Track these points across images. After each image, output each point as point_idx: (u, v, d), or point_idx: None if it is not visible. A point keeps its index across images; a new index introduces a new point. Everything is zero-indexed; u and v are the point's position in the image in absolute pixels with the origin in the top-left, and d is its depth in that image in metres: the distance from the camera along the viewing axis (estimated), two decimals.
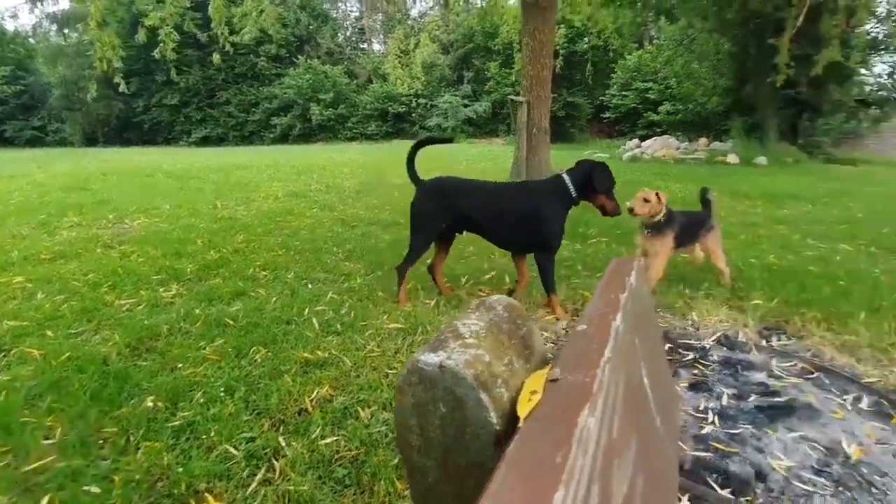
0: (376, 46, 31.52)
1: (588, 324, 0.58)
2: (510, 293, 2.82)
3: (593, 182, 2.55)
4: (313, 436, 1.54)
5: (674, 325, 2.54)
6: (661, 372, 0.92)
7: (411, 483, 0.64)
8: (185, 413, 1.66)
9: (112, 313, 2.52)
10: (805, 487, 1.40)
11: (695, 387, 1.94)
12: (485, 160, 11.60)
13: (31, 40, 27.43)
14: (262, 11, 7.02)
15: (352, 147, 19.41)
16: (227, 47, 6.88)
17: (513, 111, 7.37)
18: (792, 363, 2.13)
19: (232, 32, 7.20)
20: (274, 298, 2.72)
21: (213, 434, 1.54)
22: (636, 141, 14.86)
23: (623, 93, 20.10)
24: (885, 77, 13.18)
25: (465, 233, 2.85)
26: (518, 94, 7.38)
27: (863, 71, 12.49)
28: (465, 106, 22.51)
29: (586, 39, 19.46)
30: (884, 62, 12.99)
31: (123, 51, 6.76)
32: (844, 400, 1.84)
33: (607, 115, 21.30)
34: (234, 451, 1.47)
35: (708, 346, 2.28)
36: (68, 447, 1.49)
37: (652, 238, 2.80)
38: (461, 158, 11.54)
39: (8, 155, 16.06)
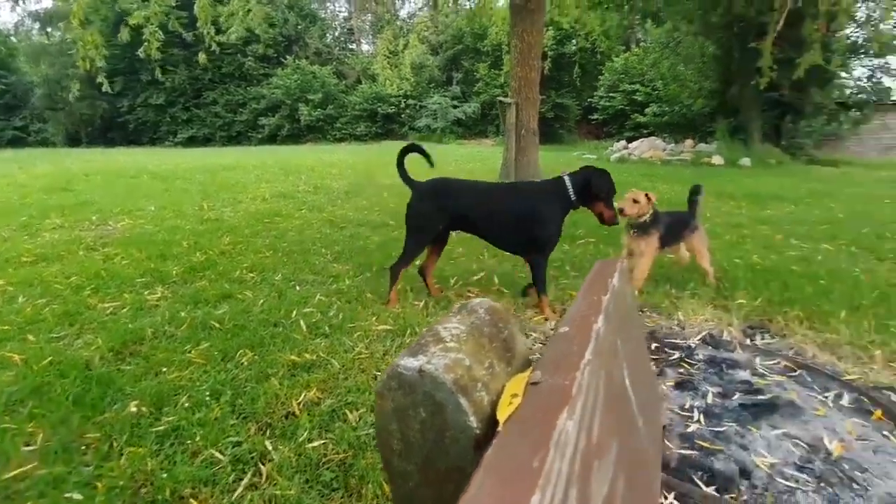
0: (365, 47, 31.42)
1: (570, 326, 0.58)
2: (525, 290, 2.81)
3: (591, 187, 2.55)
4: (300, 439, 1.53)
5: (660, 324, 2.57)
6: (644, 372, 0.93)
7: (393, 488, 0.64)
8: (170, 418, 1.63)
9: (95, 317, 2.48)
10: (788, 484, 1.42)
11: (681, 385, 1.96)
12: (474, 161, 11.62)
13: (12, 39, 26.93)
14: (248, 11, 6.95)
15: (341, 148, 19.32)
16: (214, 47, 6.80)
17: (501, 112, 7.40)
18: (775, 361, 2.16)
19: (218, 32, 7.12)
20: (261, 301, 2.70)
21: (198, 439, 1.52)
22: (624, 142, 15.00)
23: (610, 95, 20.29)
24: (865, 80, 13.46)
25: (456, 234, 2.85)
26: (507, 95, 7.41)
27: (843, 74, 12.76)
28: (455, 107, 22.54)
29: (574, 41, 19.59)
30: (863, 66, 13.26)
31: (107, 50, 6.65)
32: (826, 397, 1.88)
33: (595, 116, 21.48)
34: (220, 456, 1.45)
35: (693, 345, 2.31)
36: (50, 454, 1.46)
37: (637, 238, 2.83)
38: (450, 159, 11.55)
39: None
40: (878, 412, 1.77)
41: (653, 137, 14.90)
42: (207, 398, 1.74)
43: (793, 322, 2.52)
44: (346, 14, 32.54)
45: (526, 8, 6.75)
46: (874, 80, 13.36)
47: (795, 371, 2.08)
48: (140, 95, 24.79)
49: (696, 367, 2.12)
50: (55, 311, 2.52)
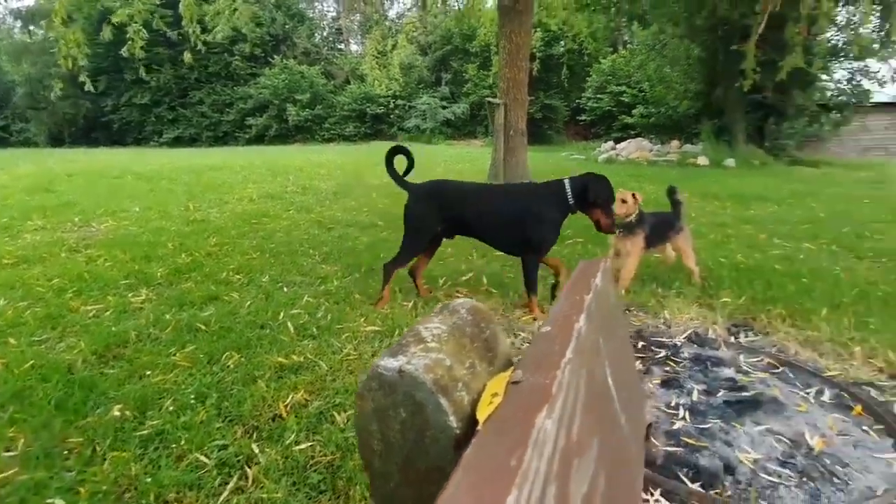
0: (354, 47, 31.31)
1: (552, 325, 0.58)
2: (554, 287, 2.78)
3: (589, 192, 2.56)
4: (287, 442, 1.52)
5: (647, 323, 2.60)
6: (628, 370, 0.94)
7: (373, 488, 0.64)
8: (154, 421, 1.61)
9: (77, 320, 2.44)
10: (771, 479, 1.45)
11: (667, 383, 1.99)
12: (463, 161, 11.64)
13: None
14: (235, 10, 6.89)
15: (329, 148, 19.22)
16: (199, 46, 6.72)
17: (490, 113, 7.42)
18: (758, 359, 2.20)
19: (204, 31, 7.03)
20: (248, 302, 2.67)
21: (183, 442, 1.50)
22: (611, 143, 15.14)
23: (598, 96, 20.46)
24: (845, 83, 13.74)
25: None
26: (496, 96, 7.44)
27: (824, 77, 13.00)
28: (444, 107, 22.54)
29: (562, 43, 19.74)
30: (843, 69, 13.54)
31: (90, 48, 6.53)
32: (808, 393, 1.91)
33: (583, 117, 21.64)
34: (206, 460, 1.44)
35: (679, 344, 2.34)
36: (31, 459, 1.43)
37: (624, 238, 2.86)
38: (439, 160, 11.56)
39: None
40: (858, 408, 1.80)
41: (640, 138, 15.06)
42: (193, 401, 1.72)
43: (776, 320, 2.56)
44: (334, 14, 32.41)
45: (514, 9, 6.78)
46: (854, 82, 13.63)
47: (778, 368, 2.11)
48: (124, 95, 24.39)
49: (681, 365, 2.15)
50: (37, 314, 2.47)
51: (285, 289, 2.94)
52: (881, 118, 15.18)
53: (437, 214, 2.67)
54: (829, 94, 13.62)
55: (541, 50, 19.50)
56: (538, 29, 17.32)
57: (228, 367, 1.99)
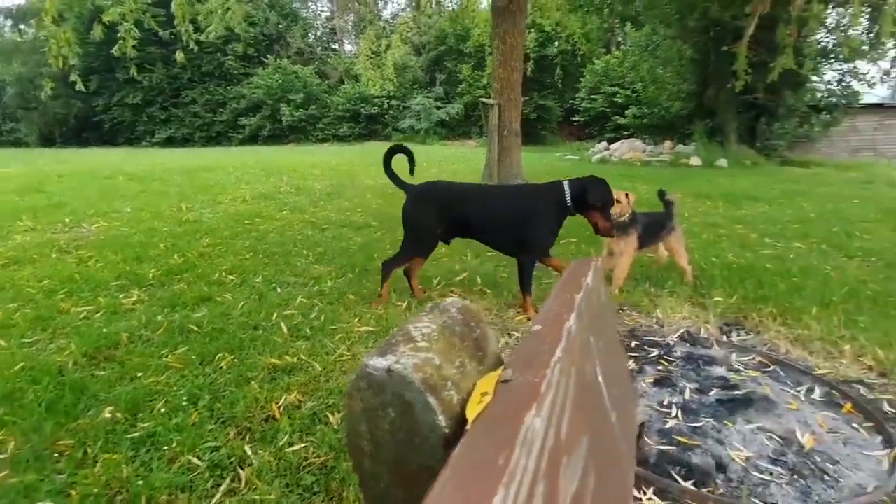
0: (348, 47, 31.24)
1: (542, 324, 0.59)
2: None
3: (588, 194, 2.55)
4: (281, 443, 1.51)
5: (640, 322, 2.61)
6: (618, 368, 0.94)
7: (364, 490, 0.63)
8: (146, 424, 1.60)
9: (68, 321, 2.42)
10: (762, 477, 1.46)
11: (659, 382, 2.00)
12: (457, 162, 11.64)
13: None
14: (227, 9, 6.84)
15: (323, 148, 19.18)
16: (192, 45, 6.67)
17: (484, 113, 7.43)
18: (750, 357, 2.21)
19: (197, 30, 6.99)
20: (241, 303, 2.66)
21: (175, 445, 1.49)
22: (605, 143, 15.21)
23: (592, 97, 20.54)
24: (835, 84, 13.88)
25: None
26: (489, 96, 7.45)
27: (814, 78, 13.14)
28: (438, 108, 22.55)
29: (556, 44, 19.78)
30: (833, 70, 13.69)
31: (81, 48, 6.47)
32: (798, 391, 1.93)
33: (577, 118, 21.73)
34: (198, 462, 1.43)
35: (672, 343, 2.35)
36: (21, 462, 1.42)
37: (617, 238, 2.87)
38: (434, 160, 11.56)
39: None
40: (848, 405, 1.82)
41: (633, 139, 15.14)
42: (185, 403, 1.71)
43: (767, 319, 2.59)
44: (328, 14, 32.34)
45: (508, 10, 6.79)
46: (843, 83, 13.77)
47: (769, 366, 2.13)
48: (116, 94, 24.21)
49: (674, 364, 2.16)
50: (27, 316, 2.45)
51: (279, 289, 2.92)
52: (870, 119, 15.34)
53: (437, 215, 2.66)
54: (819, 95, 13.75)
55: (535, 50, 19.51)
56: (532, 30, 17.35)
57: (221, 368, 1.98)
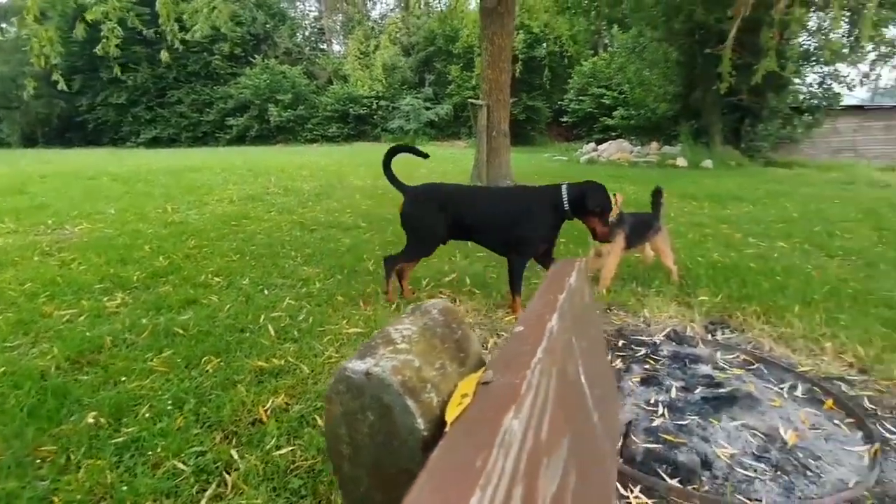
0: (336, 47, 31.10)
1: (524, 325, 0.59)
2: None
3: (586, 199, 2.55)
4: (268, 447, 1.50)
5: (627, 322, 2.64)
6: (601, 368, 0.95)
7: (344, 493, 0.63)
8: (130, 429, 1.58)
9: (51, 325, 2.38)
10: (746, 473, 1.48)
11: (646, 381, 2.02)
12: (447, 162, 11.65)
13: None
14: (213, 8, 6.76)
15: (312, 149, 19.06)
16: (177, 44, 6.58)
17: (473, 114, 7.44)
18: (734, 355, 2.25)
19: (182, 29, 6.90)
20: (227, 306, 2.63)
21: (159, 449, 1.47)
22: (593, 144, 15.34)
23: (580, 98, 20.70)
24: (816, 86, 14.15)
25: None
26: (478, 97, 7.46)
27: (796, 80, 13.38)
28: (427, 108, 22.54)
29: (544, 45, 19.90)
30: (814, 72, 13.95)
31: (63, 46, 6.35)
32: (781, 388, 1.96)
33: (565, 119, 21.88)
34: (183, 467, 1.41)
35: (658, 342, 2.38)
36: (3, 468, 1.39)
37: None
38: (423, 161, 11.53)
39: None
40: (830, 402, 1.86)
41: (620, 140, 15.29)
42: (170, 407, 1.69)
43: (751, 317, 2.63)
44: (316, 13, 32.17)
45: (496, 11, 6.81)
46: (825, 86, 14.05)
47: (753, 364, 2.17)
48: (100, 94, 23.83)
49: (660, 362, 2.19)
50: (8, 320, 2.40)
51: (266, 291, 2.90)
52: (850, 121, 15.66)
53: (438, 216, 2.64)
54: (801, 97, 14.01)
55: (523, 52, 19.59)
56: (520, 31, 17.44)
57: (207, 371, 1.95)
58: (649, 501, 1.37)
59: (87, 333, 2.26)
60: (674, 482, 1.43)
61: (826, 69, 13.65)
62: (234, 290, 2.89)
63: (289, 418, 1.65)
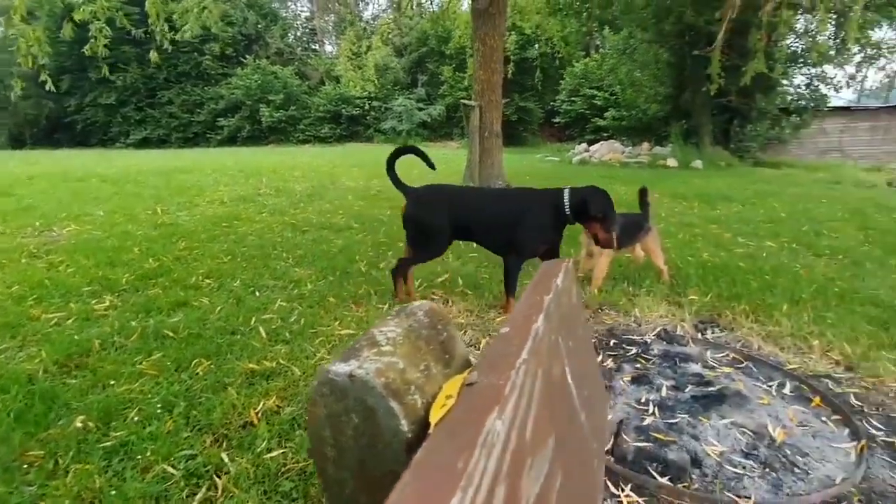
0: (328, 48, 31.03)
1: (510, 326, 0.59)
2: None
3: (588, 204, 2.51)
4: (258, 449, 1.49)
5: (619, 321, 2.66)
6: (588, 368, 0.96)
7: (328, 496, 0.63)
8: (119, 432, 1.56)
9: (38, 328, 2.34)
10: (735, 471, 1.50)
11: (637, 380, 2.03)
12: (439, 163, 11.59)
13: None
14: (204, 8, 6.71)
15: (304, 150, 18.98)
16: (166, 45, 6.53)
17: (465, 115, 7.45)
18: (724, 354, 2.27)
19: (172, 29, 6.84)
20: (218, 308, 2.61)
21: (149, 453, 1.46)
22: (585, 145, 15.41)
23: (572, 99, 20.81)
24: (804, 88, 14.34)
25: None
26: (471, 98, 7.48)
27: (784, 82, 13.55)
28: (420, 109, 22.55)
29: (536, 46, 19.99)
30: (802, 74, 14.14)
31: (51, 46, 6.27)
32: (770, 386, 1.99)
33: (557, 119, 21.98)
34: (173, 471, 1.40)
35: (649, 341, 2.40)
36: None
37: None
38: (417, 161, 11.52)
39: None
40: (817, 399, 1.88)
41: (612, 140, 15.39)
42: (159, 411, 1.68)
43: (740, 316, 2.66)
44: (308, 14, 32.06)
45: (487, 12, 6.83)
46: (812, 87, 14.24)
47: (742, 362, 2.19)
48: (89, 94, 23.58)
49: (651, 361, 2.20)
50: None
51: (257, 293, 2.88)
52: (837, 122, 15.88)
53: (443, 216, 2.62)
54: (789, 98, 14.19)
55: (515, 53, 19.69)
56: (512, 32, 17.51)
57: (197, 374, 1.94)
58: (640, 500, 1.38)
59: (76, 336, 2.23)
60: (664, 480, 1.45)
61: (813, 71, 13.84)
62: (224, 292, 2.87)
63: (280, 421, 1.64)
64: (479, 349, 2.24)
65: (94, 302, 2.69)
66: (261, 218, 5.13)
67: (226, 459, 1.45)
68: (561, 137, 22.34)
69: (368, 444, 0.53)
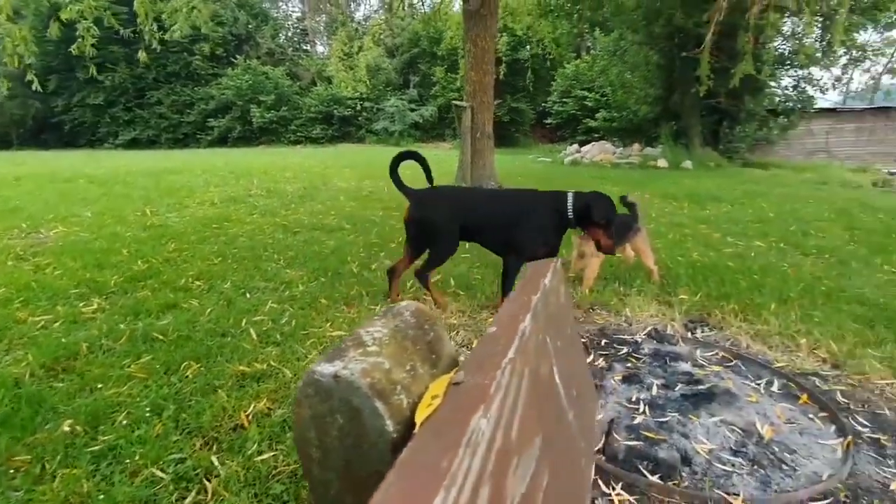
0: (320, 48, 30.90)
1: (498, 325, 0.59)
2: None
3: (591, 210, 2.52)
4: (249, 452, 1.48)
5: (610, 321, 2.67)
6: (577, 367, 0.96)
7: (314, 497, 0.63)
8: (107, 436, 1.54)
9: (25, 331, 2.31)
10: (725, 468, 1.51)
11: (628, 379, 2.05)
12: (432, 164, 11.64)
13: None
14: (193, 8, 6.66)
15: (295, 150, 18.88)
16: (154, 44, 6.46)
17: (457, 116, 7.46)
18: (713, 352, 2.29)
19: (161, 29, 6.78)
20: (208, 310, 2.59)
21: (137, 457, 1.45)
22: (576, 146, 15.49)
23: (563, 100, 20.91)
24: (791, 90, 14.53)
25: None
26: (462, 99, 7.49)
27: (772, 84, 13.72)
28: (412, 110, 22.53)
29: (528, 48, 20.06)
30: (789, 76, 14.33)
31: (38, 46, 6.18)
32: (758, 384, 2.01)
33: (549, 121, 22.07)
34: (162, 475, 1.39)
35: (640, 340, 2.42)
36: None
37: (587, 240, 2.93)
38: (409, 162, 11.51)
39: None
40: (805, 396, 1.91)
41: (603, 141, 15.49)
42: (148, 414, 1.66)
43: (729, 315, 2.68)
44: (299, 14, 31.91)
45: (479, 14, 6.84)
46: (799, 89, 14.43)
47: (731, 361, 2.22)
48: (76, 95, 23.25)
49: (642, 360, 2.22)
50: None
51: (248, 295, 2.86)
52: (823, 123, 16.10)
53: (450, 217, 2.61)
54: (777, 99, 14.36)
55: (507, 54, 19.74)
56: (504, 33, 17.57)
57: (187, 377, 1.92)
58: (631, 498, 1.39)
59: (63, 340, 2.21)
60: (655, 479, 1.46)
61: (800, 73, 14.03)
62: (215, 294, 2.85)
63: (271, 423, 1.63)
64: (471, 350, 2.24)
65: (81, 304, 2.66)
66: (252, 219, 5.09)
67: (216, 463, 1.44)
68: (552, 138, 22.43)
69: (354, 444, 0.53)
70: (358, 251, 3.79)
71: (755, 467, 1.52)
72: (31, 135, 24.14)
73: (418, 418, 0.46)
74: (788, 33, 12.37)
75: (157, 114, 23.98)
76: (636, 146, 14.17)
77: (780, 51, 12.91)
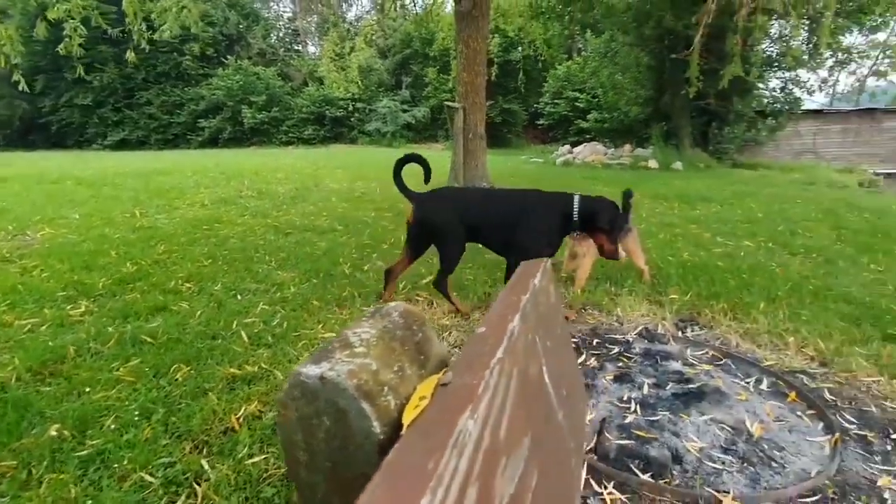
0: (311, 49, 30.78)
1: (486, 326, 0.59)
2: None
3: (597, 215, 2.52)
4: (240, 455, 1.47)
5: (601, 321, 2.69)
6: (567, 367, 0.96)
7: (301, 499, 0.62)
8: (95, 441, 1.52)
9: (11, 335, 2.28)
10: (715, 466, 1.53)
11: (619, 378, 2.06)
12: None
13: None
14: (183, 8, 6.60)
15: (287, 151, 18.77)
16: (143, 44, 6.40)
17: (449, 117, 7.47)
18: (703, 351, 2.31)
19: (150, 29, 6.72)
20: (198, 312, 2.57)
21: (126, 462, 1.43)
22: (568, 147, 15.57)
23: (555, 101, 21.01)
24: (779, 91, 14.71)
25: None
26: (455, 100, 7.49)
27: (760, 85, 13.88)
28: (404, 111, 22.50)
29: (519, 49, 20.12)
30: (777, 78, 14.50)
31: (25, 46, 6.10)
32: (748, 383, 2.03)
33: (541, 121, 22.16)
34: (151, 479, 1.37)
35: (631, 340, 2.43)
36: None
37: (579, 241, 2.95)
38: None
39: None
40: (793, 394, 1.93)
41: (594, 142, 15.59)
42: (137, 418, 1.64)
43: (719, 314, 2.71)
44: (290, 14, 31.76)
45: (471, 15, 6.86)
46: (786, 91, 14.61)
47: (721, 360, 2.24)
48: (64, 95, 22.93)
49: (633, 360, 2.23)
50: None
51: (239, 297, 2.84)
52: (811, 124, 16.33)
53: (455, 218, 2.60)
54: (765, 101, 14.53)
55: (499, 55, 19.76)
56: (496, 35, 17.60)
57: (176, 380, 1.90)
58: (622, 497, 1.39)
59: (50, 343, 2.18)
60: (646, 477, 1.47)
61: (787, 75, 14.20)
62: (205, 296, 2.83)
63: (262, 426, 1.62)
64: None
65: (69, 307, 2.62)
66: (242, 220, 5.06)
67: (206, 466, 1.43)
68: (544, 139, 22.52)
69: (340, 446, 0.52)
70: (350, 252, 3.78)
71: (745, 465, 1.54)
72: (19, 135, 23.80)
73: (406, 419, 0.46)
74: (776, 36, 12.53)
75: (146, 114, 23.73)
76: (627, 147, 14.27)
77: (767, 53, 13.08)
